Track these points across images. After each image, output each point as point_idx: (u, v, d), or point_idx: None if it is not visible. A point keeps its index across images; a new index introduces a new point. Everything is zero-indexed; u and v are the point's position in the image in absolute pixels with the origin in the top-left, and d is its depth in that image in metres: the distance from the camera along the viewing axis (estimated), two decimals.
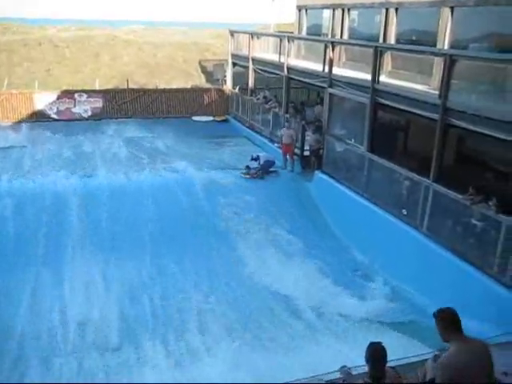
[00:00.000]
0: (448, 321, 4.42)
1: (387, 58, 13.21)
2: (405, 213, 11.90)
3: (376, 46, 13.27)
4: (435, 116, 10.87)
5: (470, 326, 8.94)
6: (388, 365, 4.38)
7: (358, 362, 5.38)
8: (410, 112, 11.95)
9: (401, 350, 4.82)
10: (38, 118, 22.47)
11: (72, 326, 10.32)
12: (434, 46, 14.07)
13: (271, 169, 16.44)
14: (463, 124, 10.27)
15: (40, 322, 10.45)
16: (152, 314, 10.85)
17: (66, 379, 8.98)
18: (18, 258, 12.26)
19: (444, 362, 4.32)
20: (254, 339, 10.10)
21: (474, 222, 10.06)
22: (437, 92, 10.90)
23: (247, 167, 16.19)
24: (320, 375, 5.21)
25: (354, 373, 5.69)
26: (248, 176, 16.02)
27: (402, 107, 12.14)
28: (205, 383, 8.35)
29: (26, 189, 14.37)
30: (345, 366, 5.84)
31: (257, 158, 16.27)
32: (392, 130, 14.50)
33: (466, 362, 4.22)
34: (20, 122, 22.05)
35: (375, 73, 12.95)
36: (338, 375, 5.73)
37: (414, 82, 12.26)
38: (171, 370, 9.16)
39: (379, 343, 4.40)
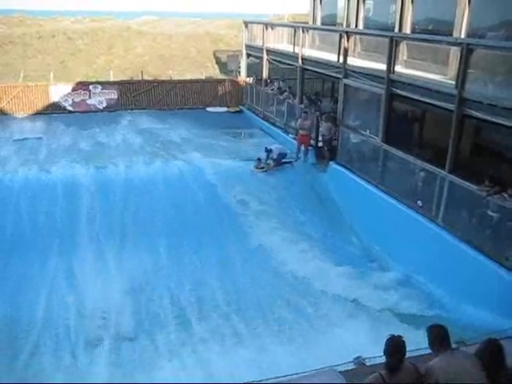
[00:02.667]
0: (439, 337, 4.57)
1: (403, 48, 13.07)
2: (420, 204, 11.83)
3: (391, 36, 13.13)
4: (451, 106, 10.76)
5: (485, 317, 9.01)
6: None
7: (372, 352, 5.40)
8: (425, 102, 11.83)
9: (414, 343, 4.79)
10: (54, 110, 22.66)
11: (88, 315, 10.45)
12: (451, 35, 13.87)
13: (284, 159, 16.40)
14: (479, 114, 10.14)
15: (56, 311, 10.58)
16: (170, 302, 10.95)
17: (81, 368, 9.09)
18: (34, 248, 12.41)
19: (429, 366, 4.43)
20: (275, 326, 10.24)
21: (489, 213, 9.97)
22: (453, 82, 10.77)
23: (258, 159, 16.09)
24: (334, 365, 5.22)
25: (367, 363, 5.71)
26: (259, 170, 15.90)
27: (417, 97, 12.02)
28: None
29: (42, 180, 14.52)
30: (359, 357, 5.86)
31: (270, 151, 16.17)
32: (407, 120, 14.38)
33: (452, 368, 4.29)
34: (35, 114, 22.26)
35: (390, 63, 12.83)
36: (352, 366, 5.74)
37: (429, 72, 12.13)
38: (191, 358, 9.25)
39: (399, 336, 4.43)
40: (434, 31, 15.11)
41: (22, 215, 13.26)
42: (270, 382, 4.83)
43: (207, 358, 9.22)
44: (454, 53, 11.16)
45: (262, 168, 15.92)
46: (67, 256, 12.31)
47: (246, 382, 5.36)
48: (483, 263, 9.84)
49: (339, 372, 4.89)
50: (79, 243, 12.71)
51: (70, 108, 22.95)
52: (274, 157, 16.13)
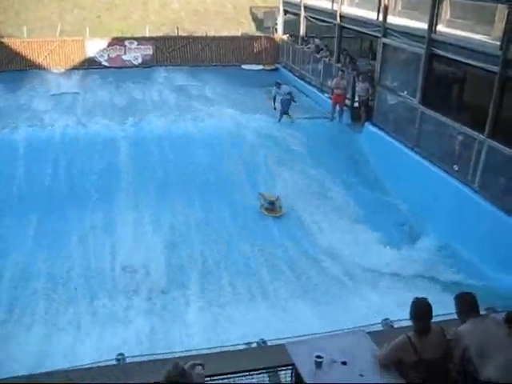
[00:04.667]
0: (467, 305, 4.47)
1: (446, 6, 12.62)
2: (456, 168, 11.61)
3: None
4: (494, 68, 10.39)
5: None
6: (433, 320, 4.37)
7: (400, 316, 5.42)
8: (467, 64, 11.46)
9: (445, 307, 4.78)
10: (90, 65, 22.76)
11: (120, 269, 10.70)
12: None
13: (320, 118, 16.23)
14: None
15: (91, 263, 10.88)
16: (201, 258, 11.12)
17: (110, 318, 9.38)
18: (71, 202, 12.69)
19: (458, 331, 4.37)
20: (300, 285, 10.33)
21: None
22: (498, 43, 10.39)
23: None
24: (363, 326, 5.26)
25: (396, 326, 5.73)
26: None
27: (458, 58, 11.65)
28: None
29: (79, 134, 14.73)
30: (387, 319, 5.89)
31: (279, 85, 16.30)
32: (447, 82, 13.98)
33: (481, 333, 4.23)
34: (72, 69, 22.42)
35: (432, 22, 12.41)
36: (380, 327, 5.78)
37: (473, 32, 11.71)
38: (217, 311, 9.48)
39: (424, 299, 4.39)
40: None
41: (60, 169, 13.52)
42: (297, 339, 4.90)
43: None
44: (501, 11, 10.72)
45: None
46: (103, 210, 12.55)
47: (274, 338, 5.46)
48: None
49: (367, 333, 4.92)
50: (115, 198, 12.91)
51: (106, 63, 23.01)
52: (282, 95, 16.10)
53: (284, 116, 16.25)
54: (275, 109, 16.58)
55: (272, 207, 12.91)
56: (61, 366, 5.49)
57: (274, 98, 16.64)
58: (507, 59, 10.06)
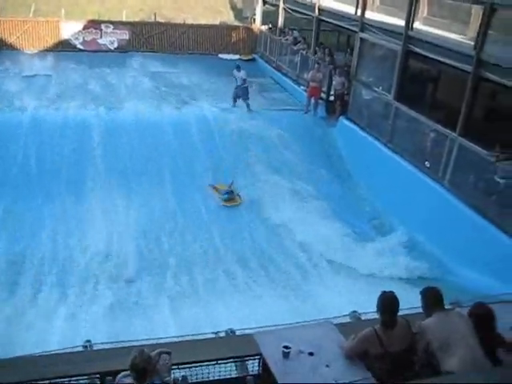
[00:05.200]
0: (433, 299, 4.53)
1: (423, 4, 12.72)
2: (428, 165, 11.78)
3: None
4: (468, 68, 10.55)
5: (484, 282, 9.11)
6: (399, 314, 4.44)
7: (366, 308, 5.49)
8: (441, 62, 11.59)
9: (410, 302, 4.86)
10: (64, 47, 22.31)
11: (90, 256, 10.62)
12: None
13: (295, 110, 16.33)
14: (496, 78, 9.96)
15: (60, 249, 10.76)
16: (170, 249, 11.10)
17: (80, 304, 9.33)
18: (41, 187, 12.49)
19: (422, 324, 4.43)
20: (268, 277, 10.42)
21: (497, 179, 9.93)
22: (472, 43, 10.53)
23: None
24: (330, 318, 5.31)
25: (363, 318, 5.80)
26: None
27: (434, 56, 11.77)
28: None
29: (50, 118, 14.42)
30: (355, 311, 5.95)
31: (239, 68, 16.33)
32: (421, 79, 14.15)
33: (445, 327, 4.30)
34: (45, 50, 21.94)
35: (409, 19, 12.51)
36: (348, 319, 5.85)
37: (449, 31, 11.84)
38: (187, 303, 9.47)
39: (391, 292, 4.46)
40: None
41: (30, 154, 13.25)
42: (266, 330, 4.93)
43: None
44: (477, 12, 10.85)
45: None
46: (73, 196, 12.40)
47: (242, 328, 5.48)
48: (486, 228, 9.88)
49: (334, 325, 4.98)
50: (84, 184, 12.77)
51: (81, 46, 22.60)
52: (239, 81, 16.12)
53: (239, 101, 16.30)
54: (233, 97, 16.53)
55: (230, 196, 12.86)
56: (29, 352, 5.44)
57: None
58: (480, 59, 10.22)
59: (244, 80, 16.19)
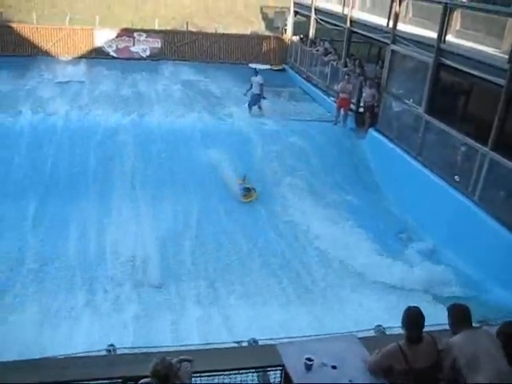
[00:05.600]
0: (460, 317, 4.41)
1: (456, 17, 12.59)
2: (457, 179, 11.60)
3: (446, 3, 12.62)
4: (501, 81, 10.39)
5: None
6: (425, 330, 4.37)
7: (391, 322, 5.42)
8: (473, 75, 11.44)
9: (437, 318, 4.78)
10: (97, 54, 22.78)
11: (117, 260, 10.71)
12: (510, 5, 13.29)
13: (324, 121, 16.32)
14: None
15: (87, 253, 10.88)
16: (194, 254, 11.15)
17: (107, 308, 9.40)
18: (70, 191, 12.70)
19: (448, 342, 4.31)
20: (293, 291, 10.28)
21: None
22: (506, 56, 10.37)
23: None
24: (354, 331, 5.26)
25: (387, 333, 5.73)
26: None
27: (466, 69, 11.63)
28: None
29: (82, 124, 14.73)
30: (380, 325, 5.88)
31: (257, 72, 16.64)
32: (453, 92, 13.97)
33: (472, 346, 4.18)
34: (79, 57, 22.43)
35: (442, 31, 12.40)
36: (372, 333, 5.78)
37: (482, 44, 11.68)
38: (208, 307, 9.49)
39: (416, 307, 4.39)
40: (491, 0, 14.47)
41: (62, 158, 13.51)
42: (289, 341, 4.90)
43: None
44: (511, 25, 10.70)
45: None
46: (101, 201, 12.57)
47: (265, 338, 5.46)
48: None
49: (358, 338, 4.92)
50: (113, 189, 12.93)
51: (114, 54, 23.02)
52: (256, 87, 16.30)
53: (254, 109, 16.52)
54: (245, 95, 16.86)
55: (246, 192, 12.91)
56: (52, 354, 5.50)
57: (250, 88, 16.66)
58: None
59: (261, 85, 16.38)
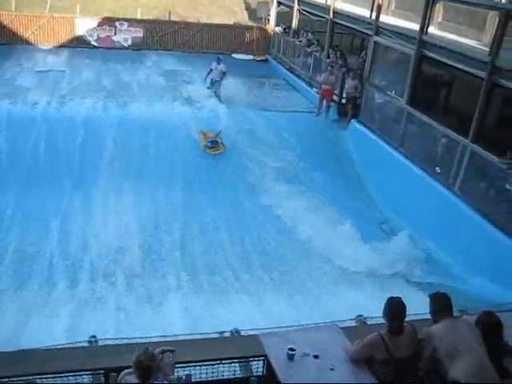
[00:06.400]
0: (441, 305, 4.46)
1: (439, 9, 12.66)
2: (438, 171, 11.71)
3: None
4: (482, 74, 10.48)
5: (492, 290, 9.05)
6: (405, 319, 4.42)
7: (373, 312, 5.48)
8: (455, 67, 11.53)
9: (418, 307, 4.83)
10: (78, 43, 22.47)
11: (99, 251, 10.64)
12: None
13: (307, 112, 16.40)
14: (511, 84, 9.89)
15: (69, 245, 10.79)
16: (178, 245, 11.11)
17: (93, 301, 9.34)
18: (50, 181, 12.59)
19: (429, 331, 4.38)
20: (269, 276, 10.40)
21: (508, 186, 9.86)
22: (487, 49, 10.46)
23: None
24: (336, 321, 5.30)
25: (369, 323, 5.79)
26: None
27: (448, 62, 11.71)
28: None
29: (62, 113, 14.53)
30: (361, 316, 5.94)
31: (219, 61, 16.64)
32: (434, 84, 14.07)
33: (452, 335, 4.25)
34: (60, 46, 22.11)
35: (424, 23, 12.45)
36: (353, 323, 5.84)
37: (464, 37, 11.77)
38: (193, 298, 9.48)
39: (398, 298, 4.43)
40: None
41: (41, 148, 13.33)
42: (271, 331, 4.93)
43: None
44: (492, 18, 10.79)
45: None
46: (82, 191, 12.48)
47: (247, 329, 5.48)
48: (495, 235, 9.80)
49: (340, 328, 4.97)
50: (94, 180, 12.84)
51: (95, 43, 22.73)
52: (217, 74, 16.42)
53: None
54: (208, 88, 16.84)
55: (214, 145, 13.23)
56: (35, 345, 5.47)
57: (209, 73, 16.77)
58: (495, 65, 10.15)
59: (224, 73, 16.47)
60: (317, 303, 9.46)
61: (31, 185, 12.39)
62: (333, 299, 9.61)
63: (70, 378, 4.56)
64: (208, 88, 16.78)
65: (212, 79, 16.72)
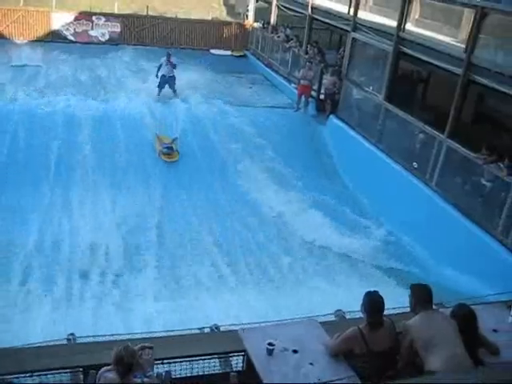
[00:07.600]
0: (421, 297, 4.50)
1: (416, 6, 12.77)
2: (415, 166, 11.84)
3: None
4: (458, 70, 10.62)
5: (465, 282, 9.21)
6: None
7: (348, 302, 5.54)
8: (432, 64, 11.67)
9: (394, 300, 4.88)
10: (54, 38, 22.08)
11: (78, 247, 10.53)
12: None
13: (285, 107, 16.33)
14: (486, 81, 10.03)
15: (45, 242, 10.65)
16: (157, 241, 11.07)
17: (69, 298, 9.25)
18: (28, 178, 12.37)
19: (406, 324, 4.43)
20: (248, 270, 10.48)
21: (483, 181, 10.02)
22: (463, 45, 10.60)
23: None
24: (315, 316, 5.33)
25: (348, 317, 5.83)
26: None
27: (424, 58, 11.84)
28: None
29: (39, 109, 14.31)
30: (340, 310, 5.98)
31: (169, 56, 16.23)
32: (411, 81, 14.22)
33: (429, 328, 4.30)
34: (36, 41, 21.70)
35: (401, 20, 12.56)
36: (332, 318, 5.87)
37: (440, 34, 11.90)
38: (170, 299, 9.44)
39: (376, 292, 4.47)
40: None
41: (17, 145, 13.11)
42: (250, 326, 4.94)
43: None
44: (468, 15, 10.92)
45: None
46: (60, 187, 12.32)
47: (227, 324, 5.49)
48: (470, 229, 9.96)
49: (320, 323, 5.00)
50: (72, 175, 12.69)
51: (72, 38, 22.40)
52: (166, 69, 16.01)
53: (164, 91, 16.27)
54: (157, 76, 16.41)
55: (169, 151, 12.90)
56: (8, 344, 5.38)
57: (159, 69, 16.28)
58: (471, 62, 10.29)
59: (174, 65, 16.23)
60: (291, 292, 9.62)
61: (7, 183, 12.17)
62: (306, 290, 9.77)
63: (49, 376, 4.50)
64: (157, 87, 16.24)
65: (164, 75, 16.16)
